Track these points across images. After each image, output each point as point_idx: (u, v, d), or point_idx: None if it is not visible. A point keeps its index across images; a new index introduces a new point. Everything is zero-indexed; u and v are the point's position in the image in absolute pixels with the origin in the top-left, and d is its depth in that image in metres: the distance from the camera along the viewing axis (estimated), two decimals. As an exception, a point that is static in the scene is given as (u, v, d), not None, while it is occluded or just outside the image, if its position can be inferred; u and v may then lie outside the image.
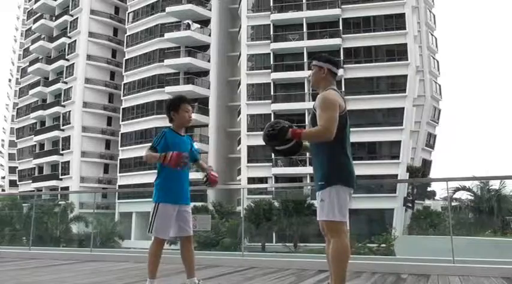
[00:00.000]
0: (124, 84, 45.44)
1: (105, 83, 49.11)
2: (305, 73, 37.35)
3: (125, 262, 6.72)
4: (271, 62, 38.62)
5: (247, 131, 37.56)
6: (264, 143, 3.34)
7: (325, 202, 3.28)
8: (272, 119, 36.58)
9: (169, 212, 3.88)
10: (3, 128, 70.76)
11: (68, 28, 49.56)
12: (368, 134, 32.45)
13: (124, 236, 32.48)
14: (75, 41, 48.40)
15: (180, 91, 40.99)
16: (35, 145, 51.59)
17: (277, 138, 3.24)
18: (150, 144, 3.88)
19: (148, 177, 34.72)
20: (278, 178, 36.02)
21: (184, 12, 42.02)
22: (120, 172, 43.45)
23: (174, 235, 4.00)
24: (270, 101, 37.09)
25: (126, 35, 46.75)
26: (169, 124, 4.13)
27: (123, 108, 44.98)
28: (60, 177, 46.71)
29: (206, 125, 41.08)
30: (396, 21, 36.76)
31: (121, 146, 44.36)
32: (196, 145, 41.82)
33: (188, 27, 41.67)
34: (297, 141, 3.28)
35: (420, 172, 36.00)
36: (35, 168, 50.94)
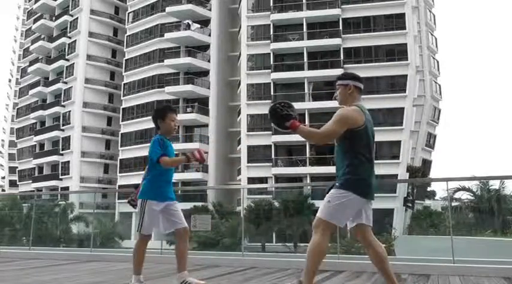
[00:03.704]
0: (124, 84, 45.43)
1: (105, 83, 49.11)
2: (305, 74, 37.44)
3: (124, 262, 6.71)
4: (271, 62, 38.60)
5: (247, 131, 37.55)
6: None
7: (330, 204, 3.42)
8: (272, 119, 36.73)
9: (156, 209, 4.07)
10: (3, 128, 70.74)
11: (68, 28, 49.56)
12: (368, 134, 32.44)
13: (124, 236, 32.44)
14: (75, 41, 48.40)
15: (180, 92, 41.13)
16: (35, 145, 51.58)
17: (276, 120, 3.45)
18: (157, 156, 4.07)
19: (148, 177, 34.64)
20: (278, 178, 36.00)
21: (184, 12, 42.02)
22: (120, 172, 43.46)
23: (168, 230, 4.19)
24: (270, 101, 36.93)
25: (126, 35, 46.74)
26: None
27: (123, 108, 44.98)
28: (60, 177, 46.71)
29: (206, 125, 41.08)
30: (396, 21, 36.74)
31: (121, 146, 44.37)
32: (197, 145, 41.91)
33: (188, 27, 41.66)
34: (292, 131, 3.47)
35: (420, 172, 35.98)
36: (35, 168, 50.94)
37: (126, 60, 45.97)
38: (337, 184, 3.46)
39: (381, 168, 32.23)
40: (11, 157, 60.00)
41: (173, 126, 4.23)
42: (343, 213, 3.42)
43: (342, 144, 3.51)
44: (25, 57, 57.42)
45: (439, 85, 43.18)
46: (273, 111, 3.48)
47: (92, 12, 48.66)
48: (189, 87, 40.81)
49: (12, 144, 60.56)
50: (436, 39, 44.44)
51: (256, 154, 37.47)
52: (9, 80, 70.68)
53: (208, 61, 42.36)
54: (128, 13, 47.09)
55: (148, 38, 44.14)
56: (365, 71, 36.08)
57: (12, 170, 59.30)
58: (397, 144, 34.66)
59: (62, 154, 47.23)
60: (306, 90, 37.25)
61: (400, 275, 5.14)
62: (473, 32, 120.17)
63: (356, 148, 3.44)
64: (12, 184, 57.77)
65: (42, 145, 50.74)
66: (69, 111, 47.34)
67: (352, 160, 3.44)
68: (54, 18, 52.02)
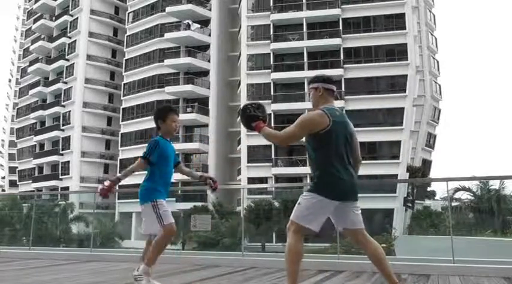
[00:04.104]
0: (124, 84, 45.42)
1: (105, 83, 49.10)
2: (305, 74, 37.34)
3: (124, 262, 6.72)
4: (271, 62, 38.60)
5: (247, 131, 37.46)
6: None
7: (300, 206, 3.48)
8: (272, 119, 36.76)
9: (164, 203, 4.12)
10: (3, 128, 70.72)
11: (68, 28, 49.55)
12: (368, 134, 32.38)
13: (124, 236, 32.47)
14: (75, 41, 48.39)
15: (180, 91, 41.13)
16: (35, 145, 51.57)
17: (244, 119, 3.67)
18: (142, 155, 4.16)
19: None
20: (278, 178, 36.01)
21: (184, 12, 42.01)
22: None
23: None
24: (270, 101, 36.98)
25: (126, 35, 46.72)
26: None
27: (123, 108, 44.97)
28: (60, 177, 46.70)
29: (206, 125, 41.07)
30: (396, 21, 36.74)
31: (121, 146, 44.35)
32: (196, 145, 41.83)
33: (188, 27, 41.65)
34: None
35: (420, 172, 35.98)
36: (35, 168, 50.93)
37: (126, 60, 45.96)
38: (309, 187, 3.51)
39: (381, 168, 32.32)
40: (11, 157, 59.98)
41: (174, 127, 4.22)
42: (315, 215, 3.40)
43: (310, 143, 3.51)
44: (25, 57, 57.40)
45: (439, 85, 43.19)
46: (242, 111, 3.68)
47: (92, 12, 48.65)
48: (189, 87, 40.80)
49: (12, 144, 60.53)
50: (436, 39, 44.44)
51: (256, 154, 37.45)
52: (9, 80, 70.66)
53: (208, 61, 42.35)
54: (128, 13, 47.07)
55: (148, 38, 44.13)
56: (365, 70, 36.19)
57: (12, 170, 59.28)
58: (397, 144, 34.67)
59: (62, 154, 47.22)
60: (306, 90, 37.09)
61: (400, 275, 5.14)
62: (473, 32, 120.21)
63: (322, 151, 3.44)
64: (12, 184, 57.75)
65: (42, 145, 50.73)
66: (69, 111, 47.33)
67: (319, 163, 3.47)
68: (54, 18, 52.00)
